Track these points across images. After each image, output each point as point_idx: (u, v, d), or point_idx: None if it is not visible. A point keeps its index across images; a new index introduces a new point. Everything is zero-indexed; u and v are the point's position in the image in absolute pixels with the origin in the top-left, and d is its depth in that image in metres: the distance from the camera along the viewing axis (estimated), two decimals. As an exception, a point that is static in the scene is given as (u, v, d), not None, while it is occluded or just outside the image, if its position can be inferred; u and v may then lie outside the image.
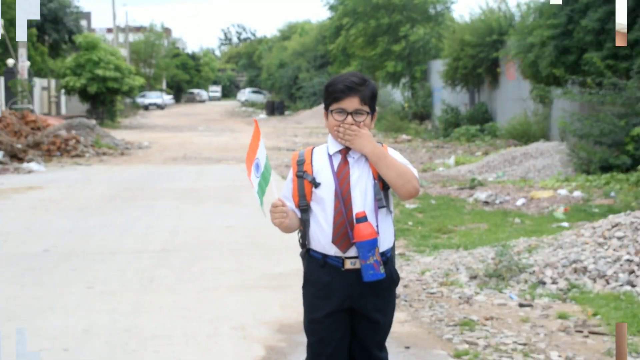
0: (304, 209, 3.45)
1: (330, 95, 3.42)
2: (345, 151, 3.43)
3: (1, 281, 7.34)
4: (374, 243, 3.32)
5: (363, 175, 3.40)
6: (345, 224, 3.37)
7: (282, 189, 3.55)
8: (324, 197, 3.41)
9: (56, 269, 7.81)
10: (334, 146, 3.45)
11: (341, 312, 3.44)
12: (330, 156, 3.45)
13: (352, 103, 3.38)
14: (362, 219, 3.33)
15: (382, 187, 3.42)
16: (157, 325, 5.90)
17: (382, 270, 3.34)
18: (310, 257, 3.47)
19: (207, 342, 5.52)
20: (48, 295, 6.77)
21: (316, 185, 3.42)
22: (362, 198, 3.39)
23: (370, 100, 3.42)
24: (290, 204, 3.49)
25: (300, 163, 3.47)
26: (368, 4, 36.90)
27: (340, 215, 3.37)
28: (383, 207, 3.40)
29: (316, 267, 3.45)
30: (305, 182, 3.44)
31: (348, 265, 3.40)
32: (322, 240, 3.41)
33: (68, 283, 7.24)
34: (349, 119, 3.38)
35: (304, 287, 3.53)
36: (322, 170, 3.44)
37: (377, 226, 3.38)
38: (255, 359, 5.18)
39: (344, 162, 3.42)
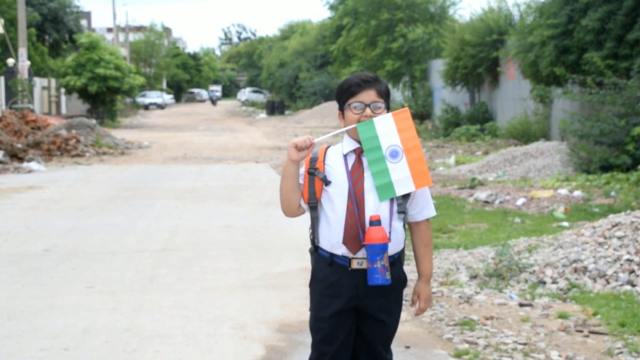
0: (314, 206, 3.45)
1: (347, 91, 3.44)
2: (360, 151, 3.44)
3: (1, 281, 7.34)
4: (384, 248, 3.32)
5: None
6: (357, 225, 3.37)
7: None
8: (336, 197, 3.40)
9: (56, 269, 7.80)
10: (348, 145, 3.46)
11: (347, 311, 3.44)
12: (344, 156, 3.45)
13: (369, 95, 3.41)
14: (376, 222, 3.33)
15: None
16: (157, 325, 5.90)
17: (388, 276, 3.34)
18: (318, 255, 3.48)
19: (207, 342, 5.52)
20: (48, 295, 6.77)
21: (327, 183, 3.41)
22: (376, 202, 3.39)
23: (386, 95, 3.46)
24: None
25: (313, 160, 3.46)
26: (369, 3, 36.88)
27: (353, 216, 3.37)
28: (402, 212, 3.43)
29: (324, 265, 3.45)
30: (316, 179, 3.44)
31: (354, 265, 3.40)
32: (332, 239, 3.41)
33: (68, 283, 7.24)
34: (368, 111, 3.40)
35: (311, 284, 3.53)
36: (336, 169, 3.43)
37: (389, 232, 3.39)
38: (255, 359, 5.18)
39: (358, 162, 3.43)
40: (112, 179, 16.34)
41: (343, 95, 3.45)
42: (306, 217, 3.56)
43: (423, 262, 3.56)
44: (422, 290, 3.57)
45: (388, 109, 3.47)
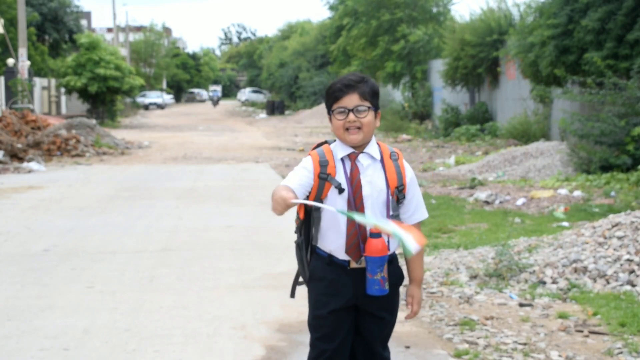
0: (316, 207, 3.42)
1: (331, 96, 3.42)
2: (354, 156, 3.41)
3: (1, 281, 7.34)
4: (383, 260, 3.32)
5: (375, 188, 3.39)
6: (358, 236, 3.37)
7: (290, 178, 3.40)
8: (336, 204, 3.37)
9: (56, 269, 7.80)
10: (341, 150, 3.42)
11: (346, 309, 3.44)
12: (341, 160, 3.42)
13: (351, 100, 3.37)
14: (377, 234, 3.31)
15: (397, 199, 3.43)
16: (157, 325, 5.90)
17: (387, 286, 3.35)
18: (316, 255, 3.47)
19: (207, 342, 5.52)
20: (48, 295, 6.77)
21: (341, 191, 3.37)
22: (374, 210, 3.37)
23: (371, 96, 3.40)
24: (296, 194, 3.32)
25: (324, 165, 3.39)
26: (369, 3, 36.86)
27: (353, 226, 3.36)
28: (397, 216, 3.42)
29: (322, 264, 3.45)
30: (326, 183, 3.38)
31: (353, 264, 3.41)
32: (331, 245, 3.41)
33: (68, 282, 7.24)
34: (351, 116, 3.36)
35: (309, 283, 3.51)
36: (337, 174, 3.40)
37: (387, 241, 3.38)
38: (255, 359, 5.18)
39: (355, 168, 3.40)
40: (112, 179, 16.34)
41: (329, 99, 3.44)
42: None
43: (415, 267, 3.55)
44: (415, 294, 3.58)
45: (377, 108, 3.43)
